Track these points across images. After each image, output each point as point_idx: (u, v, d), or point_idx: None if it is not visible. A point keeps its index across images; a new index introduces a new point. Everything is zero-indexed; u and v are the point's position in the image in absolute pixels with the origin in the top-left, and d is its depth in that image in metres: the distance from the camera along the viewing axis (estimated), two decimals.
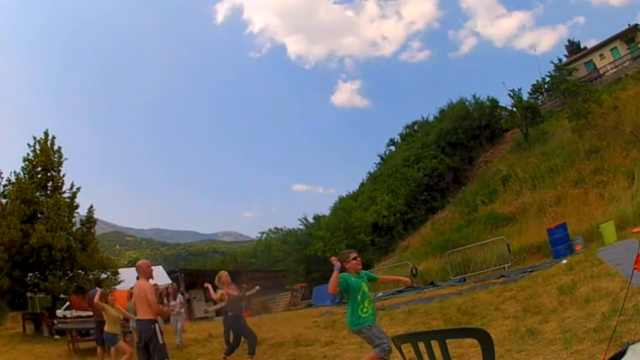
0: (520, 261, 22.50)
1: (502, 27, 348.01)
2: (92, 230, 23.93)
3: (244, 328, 11.54)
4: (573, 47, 62.75)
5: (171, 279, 31.14)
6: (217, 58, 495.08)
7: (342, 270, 6.71)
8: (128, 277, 24.41)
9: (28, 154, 22.57)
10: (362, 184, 58.12)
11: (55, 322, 19.75)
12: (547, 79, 49.63)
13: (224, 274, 11.91)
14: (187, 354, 13.91)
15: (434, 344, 3.66)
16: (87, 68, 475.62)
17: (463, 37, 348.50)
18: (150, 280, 8.20)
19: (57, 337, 18.74)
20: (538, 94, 51.10)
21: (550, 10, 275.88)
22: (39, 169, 22.56)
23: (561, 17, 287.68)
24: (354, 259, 6.90)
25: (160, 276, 32.41)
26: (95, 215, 24.27)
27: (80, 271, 21.94)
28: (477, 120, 49.89)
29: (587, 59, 54.01)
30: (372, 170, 59.59)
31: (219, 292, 11.42)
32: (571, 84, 40.04)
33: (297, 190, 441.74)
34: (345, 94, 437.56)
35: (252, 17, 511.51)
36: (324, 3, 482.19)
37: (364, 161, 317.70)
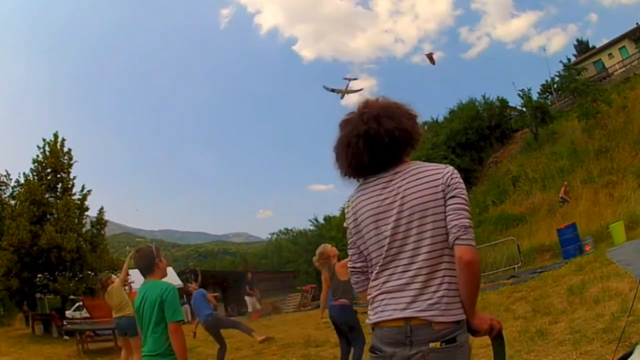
0: (530, 262, 22.38)
1: (512, 27, 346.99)
2: (102, 232, 24.00)
3: (358, 328, 7.96)
4: (582, 47, 62.48)
5: (181, 280, 31.17)
6: (228, 58, 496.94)
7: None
8: (138, 278, 24.42)
9: (37, 156, 22.65)
10: None
11: (65, 322, 19.83)
12: (557, 78, 49.43)
13: (329, 246, 8.54)
14: (197, 355, 13.90)
15: None
16: (97, 71, 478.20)
17: (474, 38, 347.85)
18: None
19: (66, 337, 18.80)
20: (547, 93, 50.89)
21: (560, 10, 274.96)
22: (49, 170, 22.64)
23: (571, 17, 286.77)
24: None
25: (171, 277, 32.46)
26: (106, 217, 24.37)
27: (90, 272, 22.00)
28: (487, 121, 49.69)
29: (596, 59, 53.76)
30: None
31: (336, 264, 8.19)
32: (580, 83, 39.94)
33: (312, 190, 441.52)
34: (355, 95, 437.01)
35: (261, 17, 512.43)
36: (332, 3, 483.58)
37: None
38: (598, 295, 9.29)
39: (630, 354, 3.33)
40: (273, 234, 62.12)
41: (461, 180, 2.41)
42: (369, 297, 2.56)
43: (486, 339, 2.50)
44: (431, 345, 2.25)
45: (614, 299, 8.65)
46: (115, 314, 10.24)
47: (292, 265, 48.76)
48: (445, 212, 2.36)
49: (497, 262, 23.69)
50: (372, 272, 2.55)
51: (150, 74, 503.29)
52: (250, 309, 25.65)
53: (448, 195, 2.36)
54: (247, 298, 25.35)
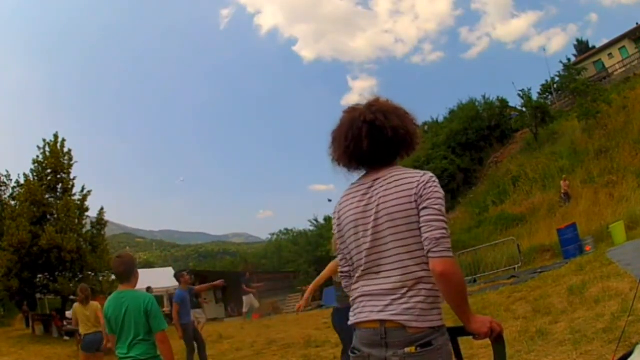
0: (530, 262, 22.38)
1: (512, 27, 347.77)
2: (103, 232, 24.02)
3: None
4: (582, 47, 62.44)
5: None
6: (228, 58, 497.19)
7: None
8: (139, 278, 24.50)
9: (38, 157, 22.68)
10: None
11: (65, 323, 19.82)
12: (557, 78, 49.37)
13: None
14: (195, 356, 13.90)
15: None
16: (97, 71, 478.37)
17: (474, 38, 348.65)
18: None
19: (66, 338, 18.80)
20: (547, 93, 50.81)
21: (560, 10, 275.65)
22: (49, 171, 22.64)
23: (571, 17, 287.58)
24: None
25: (171, 278, 32.48)
26: (106, 217, 24.37)
27: (90, 272, 22.03)
28: (487, 121, 49.56)
29: (596, 59, 53.71)
30: None
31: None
32: (580, 83, 39.94)
33: (312, 190, 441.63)
34: (355, 95, 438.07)
35: (261, 18, 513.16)
36: (332, 3, 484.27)
37: None
38: (598, 295, 9.27)
39: (630, 354, 3.33)
40: (273, 234, 62.16)
41: (437, 189, 2.42)
42: (351, 299, 2.61)
43: (486, 339, 2.51)
44: (406, 350, 2.29)
45: (614, 299, 8.64)
46: (93, 328, 9.67)
47: (293, 266, 48.76)
48: (419, 223, 2.39)
49: (497, 262, 23.69)
50: (354, 276, 2.60)
51: (151, 74, 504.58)
52: (245, 309, 25.58)
53: (421, 206, 2.38)
54: (244, 297, 25.24)
